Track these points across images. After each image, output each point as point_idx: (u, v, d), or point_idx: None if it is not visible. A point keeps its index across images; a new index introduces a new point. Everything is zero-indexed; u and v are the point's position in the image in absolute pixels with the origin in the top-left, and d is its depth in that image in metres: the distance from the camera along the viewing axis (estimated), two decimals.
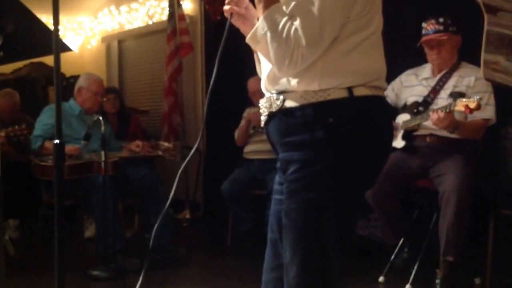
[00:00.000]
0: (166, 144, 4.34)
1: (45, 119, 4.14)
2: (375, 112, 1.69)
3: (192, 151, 1.81)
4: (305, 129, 1.63)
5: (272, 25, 1.59)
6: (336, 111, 1.62)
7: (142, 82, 6.92)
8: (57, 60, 1.73)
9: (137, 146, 4.19)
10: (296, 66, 1.59)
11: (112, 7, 7.10)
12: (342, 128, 1.62)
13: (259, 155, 4.33)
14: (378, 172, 1.73)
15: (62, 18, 6.93)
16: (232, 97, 4.87)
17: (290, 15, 1.59)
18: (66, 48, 1.76)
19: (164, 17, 6.16)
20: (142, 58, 6.95)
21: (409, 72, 3.57)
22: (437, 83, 3.36)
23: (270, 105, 1.70)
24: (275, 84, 1.70)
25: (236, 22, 1.80)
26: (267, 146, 3.92)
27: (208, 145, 5.61)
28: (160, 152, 4.27)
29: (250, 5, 1.79)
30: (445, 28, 3.29)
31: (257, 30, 1.63)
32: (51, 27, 1.77)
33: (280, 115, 1.68)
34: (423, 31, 3.38)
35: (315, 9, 1.55)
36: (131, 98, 6.86)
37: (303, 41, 1.54)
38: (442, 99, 3.29)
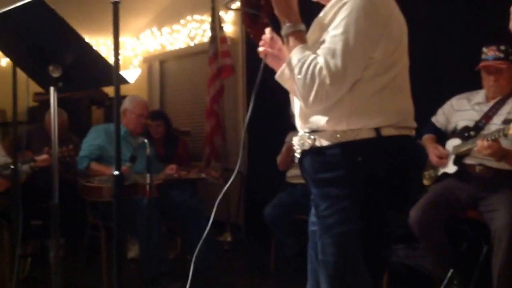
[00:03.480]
0: (209, 168, 4.41)
1: (91, 140, 4.27)
2: (403, 152, 1.77)
3: (234, 175, 1.88)
4: (335, 167, 1.73)
5: (299, 63, 1.69)
6: (364, 150, 1.72)
7: (183, 102, 7.04)
8: (117, 95, 1.81)
9: (171, 169, 4.27)
10: (321, 103, 1.69)
11: (154, 28, 7.28)
12: (371, 166, 1.71)
13: (302, 180, 4.34)
14: (407, 207, 1.82)
15: (105, 39, 7.14)
16: (274, 120, 4.92)
17: (315, 54, 1.68)
18: (124, 81, 1.84)
19: (205, 38, 6.29)
20: (183, 79, 7.08)
21: (460, 96, 3.55)
22: (490, 109, 3.33)
23: (303, 143, 1.79)
24: (306, 123, 1.79)
25: (271, 63, 1.92)
26: None
27: (250, 167, 5.66)
28: (203, 175, 4.34)
29: (283, 47, 1.89)
30: (505, 56, 3.28)
31: (285, 68, 1.74)
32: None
33: (312, 153, 1.79)
34: (483, 56, 3.36)
35: (339, 49, 1.65)
36: (172, 118, 6.97)
37: (327, 80, 1.64)
38: (495, 125, 3.25)
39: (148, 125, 4.89)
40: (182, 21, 6.82)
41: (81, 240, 4.83)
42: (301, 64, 1.68)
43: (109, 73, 1.84)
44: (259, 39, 5.68)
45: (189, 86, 6.92)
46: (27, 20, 1.89)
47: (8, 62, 6.98)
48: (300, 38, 1.75)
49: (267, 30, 1.92)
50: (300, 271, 4.15)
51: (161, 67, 7.43)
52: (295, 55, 1.71)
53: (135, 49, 7.78)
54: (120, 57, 6.19)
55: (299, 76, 1.68)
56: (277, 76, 1.84)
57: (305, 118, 1.81)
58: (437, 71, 4.03)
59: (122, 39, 7.81)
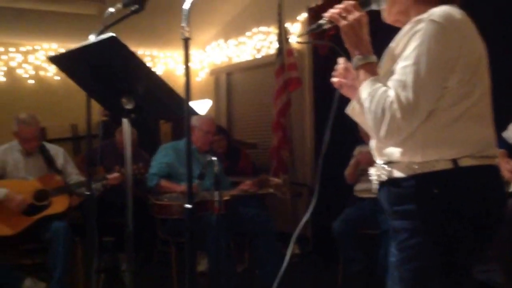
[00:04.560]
0: (276, 180, 4.45)
1: (161, 158, 4.40)
2: (483, 183, 1.70)
3: (315, 194, 1.90)
4: (411, 200, 1.70)
5: (369, 97, 1.67)
6: (441, 183, 1.67)
7: (249, 114, 7.11)
8: (188, 126, 1.87)
9: (246, 185, 4.34)
10: (393, 137, 1.67)
11: (221, 41, 7.40)
12: (448, 199, 1.66)
13: (370, 194, 4.32)
14: (488, 243, 1.75)
15: (173, 51, 7.32)
16: (342, 133, 4.90)
17: (386, 87, 1.66)
18: (194, 112, 1.90)
19: (272, 50, 6.35)
20: (250, 91, 7.16)
21: None
22: None
23: (380, 175, 1.78)
24: (381, 155, 1.78)
25: (346, 92, 1.92)
26: None
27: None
28: (271, 190, 4.38)
29: None
30: None
31: (355, 102, 1.73)
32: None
33: (388, 184, 1.77)
34: None
35: (409, 81, 1.61)
36: (238, 130, 7.08)
37: (399, 114, 1.61)
38: None
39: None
40: (248, 33, 6.91)
41: (151, 254, 4.99)
42: (372, 97, 1.66)
43: (180, 104, 1.91)
44: (324, 51, 5.68)
45: (255, 98, 6.99)
46: (101, 55, 1.99)
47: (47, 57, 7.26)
48: (371, 70, 1.73)
49: (341, 60, 1.92)
50: (368, 287, 4.15)
51: (227, 79, 7.55)
52: (366, 88, 1.70)
53: (202, 61, 7.94)
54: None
55: (370, 110, 1.67)
56: (347, 110, 1.84)
57: (380, 151, 1.79)
58: (508, 84, 3.93)
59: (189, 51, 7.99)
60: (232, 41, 7.23)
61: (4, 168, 4.14)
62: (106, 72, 2.07)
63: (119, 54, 1.92)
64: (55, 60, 2.21)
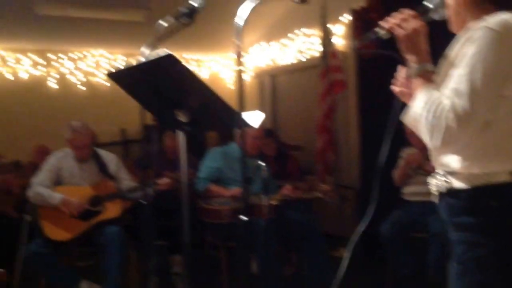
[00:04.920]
0: (324, 186, 4.47)
1: (210, 162, 4.48)
2: None
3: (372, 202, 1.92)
4: (469, 212, 1.69)
5: (426, 106, 1.67)
6: (499, 195, 1.65)
7: (294, 117, 7.15)
8: (243, 138, 1.93)
9: (287, 190, 4.37)
10: (449, 146, 1.67)
11: (264, 43, 7.46)
12: (506, 213, 1.64)
13: (419, 197, 4.31)
14: None
15: (217, 55, 7.42)
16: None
17: (442, 96, 1.65)
18: (246, 124, 1.96)
19: (315, 52, 6.37)
20: (294, 93, 7.19)
21: None
22: None
23: (439, 185, 1.78)
24: (439, 165, 1.78)
25: (406, 101, 1.91)
26: (427, 188, 3.90)
27: (363, 182, 5.66)
28: (319, 194, 4.42)
29: None
30: None
31: (411, 111, 1.73)
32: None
33: (447, 196, 1.76)
34: None
35: (465, 90, 1.60)
36: (283, 133, 7.12)
37: (454, 122, 1.60)
38: None
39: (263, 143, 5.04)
40: (291, 35, 6.95)
41: (199, 258, 5.08)
42: (428, 106, 1.66)
43: (233, 117, 1.97)
44: (368, 54, 5.65)
45: (300, 101, 7.01)
46: (158, 71, 2.07)
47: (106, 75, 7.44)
48: (427, 78, 1.73)
49: (402, 70, 1.92)
50: None
51: (272, 81, 7.60)
52: (422, 97, 1.70)
53: (245, 64, 8.01)
54: (231, 73, 6.46)
55: (425, 119, 1.66)
56: (404, 119, 1.84)
57: (438, 160, 1.79)
58: None
59: (232, 54, 8.08)
60: (275, 44, 7.28)
61: (60, 174, 4.28)
62: (162, 86, 2.14)
63: (175, 70, 2.00)
64: (114, 76, 2.30)
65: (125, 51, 7.65)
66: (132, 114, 7.42)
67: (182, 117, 2.17)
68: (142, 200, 4.19)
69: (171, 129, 5.26)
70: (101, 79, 7.55)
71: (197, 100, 2.10)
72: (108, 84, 7.54)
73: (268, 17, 7.18)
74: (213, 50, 7.90)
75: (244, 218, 1.96)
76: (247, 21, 2.05)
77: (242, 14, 2.01)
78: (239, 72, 1.93)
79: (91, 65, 7.52)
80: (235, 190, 4.23)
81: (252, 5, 2.04)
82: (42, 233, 4.02)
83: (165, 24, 2.50)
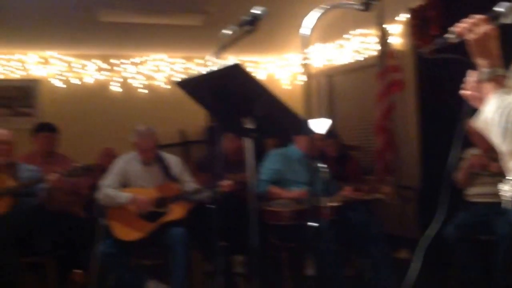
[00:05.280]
0: (386, 188, 4.46)
1: (270, 164, 4.55)
2: None
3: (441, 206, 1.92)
4: None
5: (498, 110, 1.65)
6: None
7: (352, 117, 7.12)
8: (311, 143, 1.98)
9: (347, 191, 4.39)
10: None
11: (319, 44, 7.47)
12: None
13: (484, 198, 4.24)
14: None
15: (271, 57, 7.47)
16: (449, 135, 4.84)
17: None
18: (311, 131, 2.01)
19: (372, 52, 6.33)
20: (351, 93, 7.17)
21: None
22: None
23: (509, 191, 1.77)
24: (509, 171, 1.75)
25: (477, 105, 1.90)
26: (492, 189, 3.84)
27: (424, 183, 5.60)
28: (380, 195, 4.41)
29: None
30: None
31: (482, 115, 1.72)
32: None
33: None
34: None
35: None
36: (340, 133, 7.11)
37: None
38: None
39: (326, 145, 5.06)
40: (346, 36, 6.93)
41: (260, 258, 5.13)
42: (501, 111, 1.64)
43: (299, 124, 2.02)
44: (428, 52, 5.59)
45: (357, 101, 6.99)
46: (225, 80, 2.14)
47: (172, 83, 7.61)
48: (499, 83, 1.72)
49: (472, 74, 1.91)
50: None
51: (328, 82, 7.60)
52: (494, 102, 1.68)
53: (302, 64, 8.05)
54: (287, 73, 6.50)
55: (498, 124, 1.64)
56: (474, 124, 1.82)
57: (506, 165, 1.78)
58: None
59: (287, 55, 8.13)
60: (331, 44, 7.28)
61: (126, 177, 4.44)
62: (229, 95, 2.22)
63: (242, 79, 2.06)
64: (182, 84, 2.39)
65: (184, 55, 7.81)
66: (191, 116, 7.63)
67: (249, 124, 2.24)
68: (208, 202, 4.32)
69: (231, 131, 5.37)
70: (161, 82, 7.74)
71: (263, 107, 2.16)
72: (168, 87, 7.72)
73: (323, 19, 7.17)
74: (270, 51, 7.96)
75: (314, 224, 1.97)
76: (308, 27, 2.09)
77: (308, 23, 2.06)
78: (307, 82, 1.97)
79: (151, 69, 7.72)
80: (296, 192, 4.29)
81: (318, 14, 2.09)
82: (111, 234, 4.18)
83: (229, 32, 2.57)
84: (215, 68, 2.18)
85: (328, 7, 2.11)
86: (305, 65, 1.94)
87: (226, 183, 4.38)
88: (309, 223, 2.02)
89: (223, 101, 2.28)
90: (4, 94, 7.24)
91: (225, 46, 2.48)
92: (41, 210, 4.19)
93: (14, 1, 5.48)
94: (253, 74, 2.09)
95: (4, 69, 7.21)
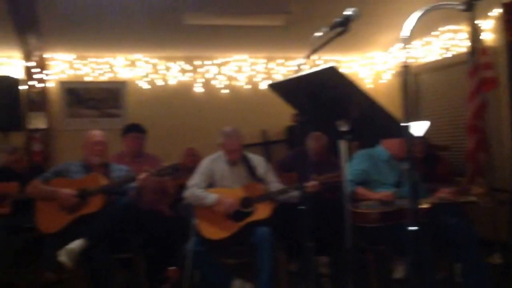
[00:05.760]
0: (479, 189, 4.34)
1: (356, 164, 4.51)
2: None
3: None
4: None
5: None
6: None
7: (440, 116, 6.96)
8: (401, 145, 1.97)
9: (443, 192, 4.29)
10: None
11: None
12: None
13: None
14: None
15: (354, 55, 7.43)
16: None
17: None
18: (409, 134, 1.99)
19: (461, 49, 6.17)
20: (439, 91, 7.01)
21: None
22: None
23: None
24: None
25: None
26: None
27: None
28: (473, 198, 4.29)
29: None
30: None
31: None
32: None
33: None
34: None
35: None
36: (428, 133, 6.96)
37: None
38: None
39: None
40: (434, 33, 6.78)
41: (345, 259, 5.12)
42: None
43: (396, 126, 2.01)
44: None
45: (446, 99, 6.83)
46: (319, 83, 2.17)
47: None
48: None
49: None
50: None
51: (415, 80, 7.46)
52: None
53: (386, 62, 7.94)
54: (370, 71, 6.44)
55: None
56: None
57: None
58: None
59: (372, 53, 8.04)
60: (417, 42, 7.14)
61: (212, 177, 4.55)
62: (323, 97, 2.24)
63: (337, 82, 2.08)
64: (274, 87, 2.43)
65: (266, 55, 7.89)
66: (272, 116, 7.69)
67: (343, 127, 2.25)
68: (293, 202, 4.36)
69: (314, 131, 5.39)
70: (243, 83, 7.85)
71: (358, 109, 2.16)
72: (249, 87, 7.83)
73: (409, 15, 7.05)
74: (353, 50, 7.91)
75: (413, 228, 1.96)
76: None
77: (409, 25, 2.05)
78: (404, 84, 1.96)
79: (233, 69, 7.85)
80: (383, 193, 4.24)
81: (419, 15, 2.07)
82: (199, 232, 4.30)
83: (320, 34, 2.58)
84: (308, 70, 2.20)
85: (429, 8, 2.09)
86: (405, 67, 1.92)
87: (312, 184, 4.40)
88: (409, 227, 1.98)
89: (316, 103, 2.30)
90: (93, 96, 7.59)
91: (317, 48, 2.50)
92: (132, 208, 4.34)
93: (104, 8, 5.73)
94: (348, 76, 2.09)
95: (93, 72, 7.55)
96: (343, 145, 2.36)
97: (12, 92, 6.98)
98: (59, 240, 4.10)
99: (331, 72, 2.06)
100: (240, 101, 7.85)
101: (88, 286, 4.14)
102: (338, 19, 2.50)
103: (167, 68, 7.68)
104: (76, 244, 3.96)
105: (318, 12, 6.00)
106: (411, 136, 2.05)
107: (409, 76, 7.57)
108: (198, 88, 7.78)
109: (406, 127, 1.99)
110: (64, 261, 3.90)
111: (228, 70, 7.85)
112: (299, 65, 2.29)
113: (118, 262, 4.39)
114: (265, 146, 7.80)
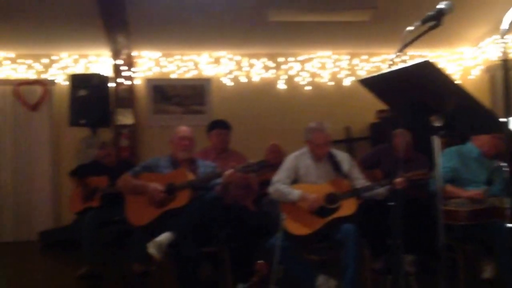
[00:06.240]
0: None
1: (445, 162, 4.45)
2: None
3: None
4: None
5: None
6: None
7: None
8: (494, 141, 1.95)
9: None
10: None
11: (496, 36, 7.12)
12: None
13: None
14: None
15: (441, 51, 7.27)
16: None
17: None
18: (506, 129, 1.97)
19: None
20: None
21: None
22: None
23: None
24: None
25: None
26: None
27: None
28: None
29: None
30: None
31: None
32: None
33: None
34: None
35: None
36: None
37: None
38: None
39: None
40: None
41: (435, 258, 5.04)
42: None
43: (494, 121, 1.99)
44: None
45: None
46: (413, 78, 2.17)
47: (353, 82, 7.67)
48: None
49: None
50: None
51: (505, 75, 7.20)
52: None
53: (475, 58, 7.73)
54: (459, 67, 6.26)
55: None
56: None
57: None
58: None
59: (461, 48, 7.85)
60: (510, 36, 6.89)
61: (297, 173, 4.60)
62: (416, 92, 2.24)
63: (432, 76, 2.08)
64: (366, 82, 2.45)
65: (350, 51, 7.87)
66: (356, 113, 7.65)
67: (437, 122, 2.24)
68: (382, 200, 4.35)
69: (403, 127, 5.33)
70: (326, 80, 7.86)
71: (454, 104, 2.15)
72: (333, 83, 7.83)
73: (500, 10, 6.83)
74: (440, 45, 7.75)
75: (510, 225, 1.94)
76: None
77: (509, 17, 2.02)
78: (505, 79, 1.94)
79: (316, 66, 7.88)
80: (473, 191, 4.16)
81: None
82: (283, 228, 4.36)
83: (411, 29, 2.57)
84: (401, 65, 2.21)
85: None
86: (504, 61, 1.90)
87: (399, 180, 4.36)
88: (508, 225, 1.95)
89: (409, 98, 2.30)
90: (178, 93, 7.82)
91: (408, 43, 2.49)
92: (218, 203, 4.45)
93: (189, 6, 5.91)
94: (444, 71, 2.09)
95: (179, 69, 7.79)
96: (436, 141, 2.35)
97: (102, 89, 7.30)
98: (147, 232, 4.27)
99: (426, 67, 2.06)
100: (323, 98, 7.87)
101: (175, 279, 4.29)
102: (430, 13, 2.49)
103: (251, 65, 7.81)
104: (164, 237, 4.11)
105: (405, 7, 5.94)
106: (510, 131, 2.02)
107: (501, 71, 7.32)
108: (281, 85, 7.86)
109: (505, 123, 1.96)
110: (153, 253, 4.05)
111: (311, 66, 7.89)
112: (392, 60, 2.30)
113: (204, 256, 4.52)
114: (348, 143, 7.78)
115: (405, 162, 5.05)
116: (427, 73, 2.09)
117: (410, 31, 2.56)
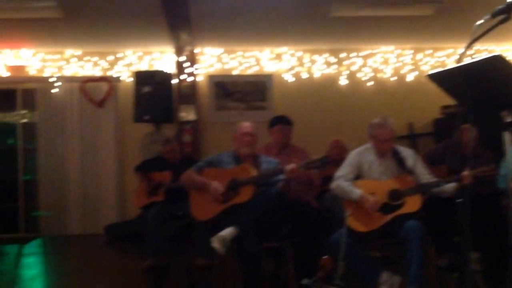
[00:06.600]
0: None
1: None
2: None
3: None
4: None
5: None
6: None
7: None
8: None
9: None
10: None
11: None
12: None
13: None
14: None
15: (509, 44, 7.07)
16: None
17: None
18: None
19: None
20: None
21: None
22: None
23: None
24: None
25: None
26: None
27: None
28: None
29: None
30: None
31: None
32: None
33: None
34: None
35: None
36: None
37: None
38: None
39: None
40: None
41: (500, 256, 4.94)
42: None
43: None
44: None
45: None
46: (483, 72, 2.16)
47: (416, 77, 7.57)
48: None
49: None
50: None
51: None
52: None
53: None
54: None
55: None
56: None
57: None
58: None
59: None
60: None
61: (360, 168, 4.60)
62: (486, 87, 2.22)
63: (503, 71, 2.07)
64: (434, 77, 2.45)
65: (413, 46, 7.78)
66: (419, 109, 7.56)
67: (507, 118, 2.22)
68: (446, 196, 4.30)
69: (471, 123, 5.22)
70: (389, 75, 7.79)
71: None
72: (395, 79, 7.75)
73: None
74: (508, 39, 7.56)
75: None
76: None
77: None
78: None
79: (378, 61, 7.82)
80: None
81: None
82: (346, 224, 4.36)
83: (481, 23, 2.54)
84: (471, 59, 2.20)
85: None
86: None
87: (467, 175, 4.27)
88: None
89: (478, 93, 2.29)
90: (240, 89, 7.92)
91: (477, 37, 2.47)
92: (280, 199, 4.49)
93: (251, 2, 5.98)
94: None
95: (240, 66, 7.88)
96: (507, 137, 2.32)
97: (165, 86, 7.48)
98: (211, 227, 4.36)
99: (498, 61, 2.05)
100: (385, 94, 7.81)
101: (238, 273, 4.36)
102: (501, 6, 2.46)
103: (312, 61, 7.83)
104: (228, 232, 4.18)
105: (470, 1, 5.84)
106: None
107: None
108: (343, 81, 7.84)
109: None
110: (217, 248, 4.13)
111: (373, 62, 7.83)
112: (461, 55, 2.29)
113: (267, 251, 4.57)
114: (411, 139, 7.69)
115: (472, 158, 4.97)
116: (498, 67, 2.08)
117: (479, 25, 2.54)
